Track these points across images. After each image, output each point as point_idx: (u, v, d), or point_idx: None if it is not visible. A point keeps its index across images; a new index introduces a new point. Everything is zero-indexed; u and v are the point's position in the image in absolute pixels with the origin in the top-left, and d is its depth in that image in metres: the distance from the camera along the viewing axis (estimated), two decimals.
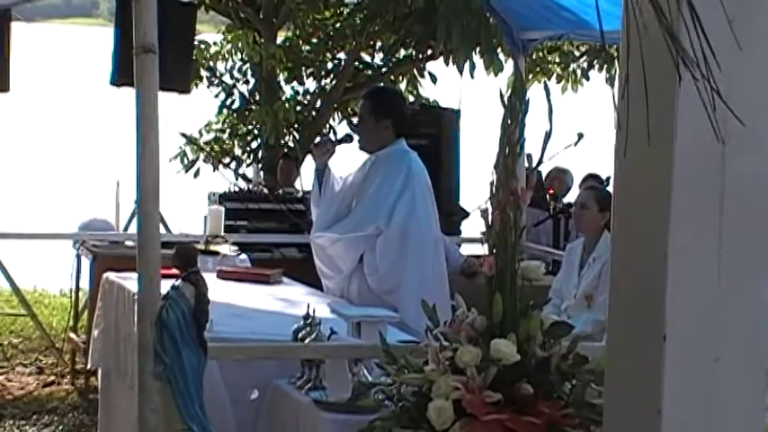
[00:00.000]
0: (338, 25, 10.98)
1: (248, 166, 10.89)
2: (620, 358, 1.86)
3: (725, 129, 1.69)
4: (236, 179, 10.41)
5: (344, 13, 11.06)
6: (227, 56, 10.73)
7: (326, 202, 5.69)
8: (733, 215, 1.76)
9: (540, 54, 11.14)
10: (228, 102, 10.91)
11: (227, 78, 10.88)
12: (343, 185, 5.74)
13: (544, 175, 9.30)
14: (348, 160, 6.12)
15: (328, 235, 5.60)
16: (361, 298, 5.44)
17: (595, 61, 11.15)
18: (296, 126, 10.53)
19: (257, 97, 10.73)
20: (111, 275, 6.10)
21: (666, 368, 1.75)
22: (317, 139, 6.09)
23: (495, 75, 9.59)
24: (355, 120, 6.43)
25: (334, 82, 10.82)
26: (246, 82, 10.92)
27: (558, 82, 11.31)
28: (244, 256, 6.81)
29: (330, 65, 11.00)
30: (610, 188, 6.61)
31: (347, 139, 5.84)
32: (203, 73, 10.62)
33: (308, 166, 9.37)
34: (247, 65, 10.78)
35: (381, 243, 5.45)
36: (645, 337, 1.78)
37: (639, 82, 1.63)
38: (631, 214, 1.82)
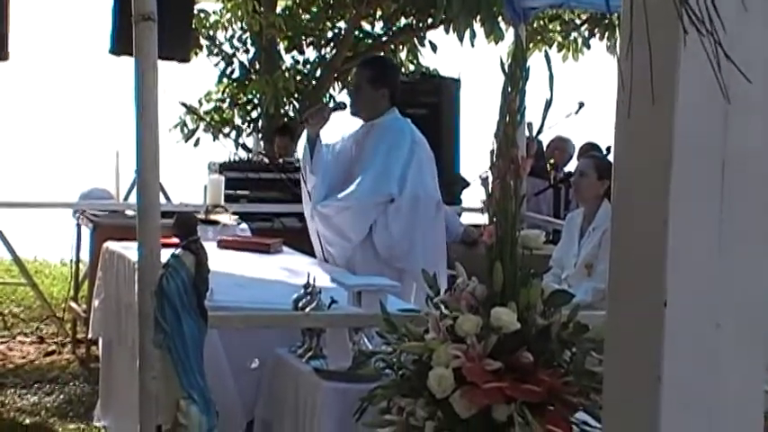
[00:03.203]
0: None
1: (248, 135, 10.89)
2: (620, 325, 1.86)
3: (728, 91, 1.67)
4: (237, 149, 10.41)
5: None
6: (226, 25, 10.71)
7: (321, 172, 5.68)
8: (734, 180, 1.75)
9: (541, 22, 11.11)
10: (228, 71, 10.90)
11: (226, 47, 10.86)
12: (332, 155, 5.74)
13: (545, 144, 9.28)
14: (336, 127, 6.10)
15: (335, 204, 5.59)
16: (366, 264, 5.45)
17: (596, 29, 11.11)
18: (296, 95, 10.51)
19: (257, 66, 10.70)
20: (112, 245, 6.10)
21: (667, 334, 1.74)
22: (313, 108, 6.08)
23: (496, 43, 9.57)
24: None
25: (334, 51, 10.79)
26: (246, 51, 10.90)
27: (559, 50, 11.28)
28: (244, 225, 6.81)
29: (330, 34, 10.98)
30: (610, 157, 6.60)
31: (341, 106, 5.83)
32: (203, 42, 10.60)
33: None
34: (247, 34, 10.75)
35: (394, 210, 5.47)
36: (645, 303, 1.77)
37: (643, 41, 1.61)
38: (632, 179, 1.81)
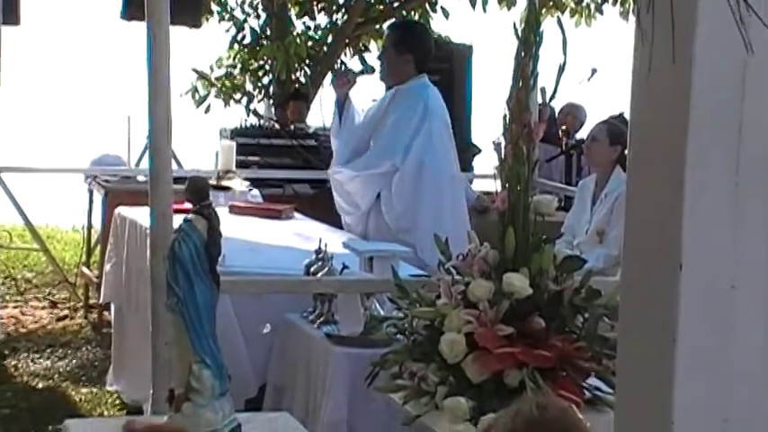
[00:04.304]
0: None
1: (260, 101, 10.87)
2: (635, 288, 1.85)
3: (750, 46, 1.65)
4: (248, 115, 10.38)
5: None
6: None
7: (345, 135, 5.65)
8: (751, 143, 1.74)
9: None
10: (239, 37, 10.85)
11: (237, 13, 10.81)
12: (363, 119, 5.69)
13: (557, 110, 9.24)
14: (368, 93, 6.09)
15: (346, 171, 5.57)
16: (379, 234, 5.40)
17: None
18: (307, 61, 10.48)
19: (268, 32, 10.67)
20: (123, 210, 6.12)
21: (682, 297, 1.74)
22: (339, 70, 6.08)
23: (509, 9, 9.52)
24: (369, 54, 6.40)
25: (345, 17, 10.74)
26: (258, 17, 10.85)
27: (572, 16, 11.19)
28: (255, 191, 6.81)
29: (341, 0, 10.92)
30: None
31: (369, 70, 5.80)
32: (214, 7, 10.55)
33: (318, 102, 9.37)
34: None
35: (398, 181, 5.40)
36: (661, 266, 1.77)
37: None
38: (648, 140, 1.80)
